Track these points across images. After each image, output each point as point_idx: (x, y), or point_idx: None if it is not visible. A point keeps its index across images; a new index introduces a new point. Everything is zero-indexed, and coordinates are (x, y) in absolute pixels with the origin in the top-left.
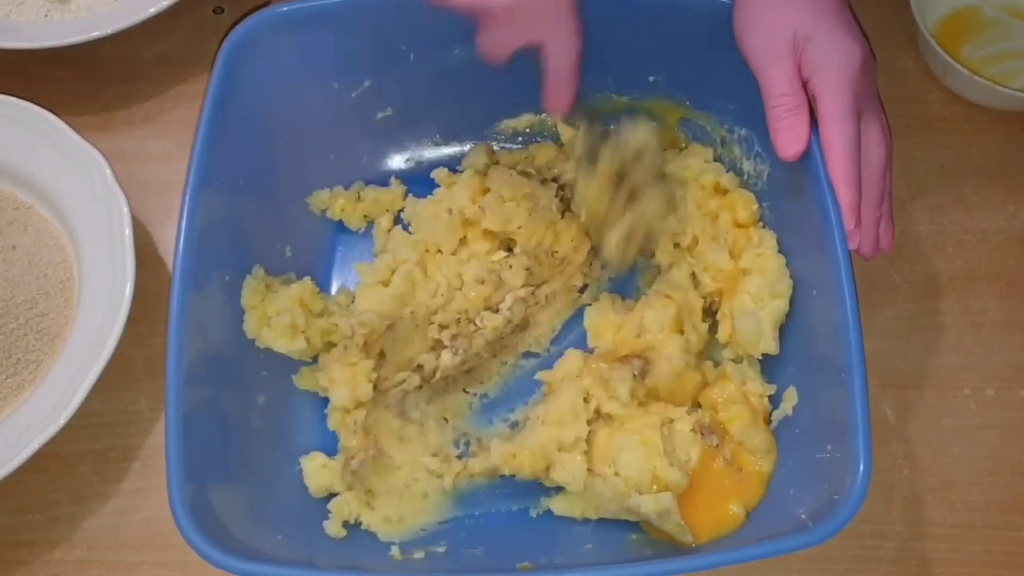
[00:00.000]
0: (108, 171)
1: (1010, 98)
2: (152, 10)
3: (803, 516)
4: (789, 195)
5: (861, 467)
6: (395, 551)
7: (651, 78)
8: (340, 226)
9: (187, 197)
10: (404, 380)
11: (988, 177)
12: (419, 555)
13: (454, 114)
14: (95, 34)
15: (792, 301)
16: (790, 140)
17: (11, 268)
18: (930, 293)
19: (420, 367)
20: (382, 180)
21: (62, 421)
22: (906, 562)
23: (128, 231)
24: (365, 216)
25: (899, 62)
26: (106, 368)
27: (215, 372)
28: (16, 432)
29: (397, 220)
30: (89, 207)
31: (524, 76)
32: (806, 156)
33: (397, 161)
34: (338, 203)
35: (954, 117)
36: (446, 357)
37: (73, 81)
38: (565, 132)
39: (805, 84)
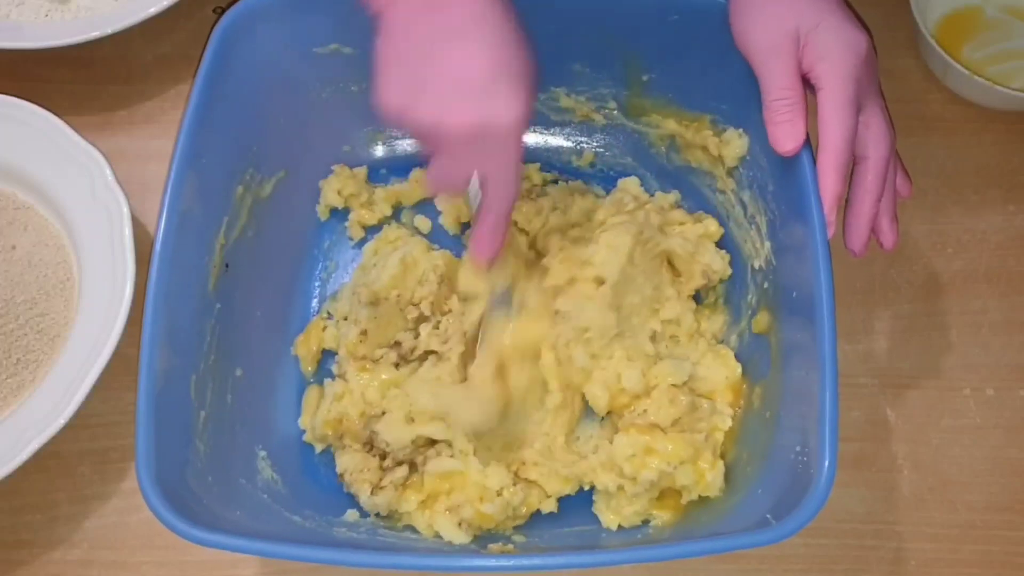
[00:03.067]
0: (108, 171)
1: (1010, 98)
2: (152, 10)
3: (768, 517)
4: (779, 198)
5: (826, 464)
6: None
7: (644, 77)
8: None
9: (172, 171)
10: (382, 356)
11: (988, 177)
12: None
13: None
14: (95, 34)
15: (774, 305)
16: (788, 134)
17: (11, 268)
18: (930, 293)
19: (398, 344)
20: (375, 165)
21: (62, 421)
22: (906, 562)
23: (128, 231)
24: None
25: (899, 62)
26: (106, 368)
27: (190, 341)
28: (16, 432)
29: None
30: (89, 207)
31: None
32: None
33: (381, 150)
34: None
35: (954, 117)
36: (424, 332)
37: (73, 81)
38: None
39: (807, 75)
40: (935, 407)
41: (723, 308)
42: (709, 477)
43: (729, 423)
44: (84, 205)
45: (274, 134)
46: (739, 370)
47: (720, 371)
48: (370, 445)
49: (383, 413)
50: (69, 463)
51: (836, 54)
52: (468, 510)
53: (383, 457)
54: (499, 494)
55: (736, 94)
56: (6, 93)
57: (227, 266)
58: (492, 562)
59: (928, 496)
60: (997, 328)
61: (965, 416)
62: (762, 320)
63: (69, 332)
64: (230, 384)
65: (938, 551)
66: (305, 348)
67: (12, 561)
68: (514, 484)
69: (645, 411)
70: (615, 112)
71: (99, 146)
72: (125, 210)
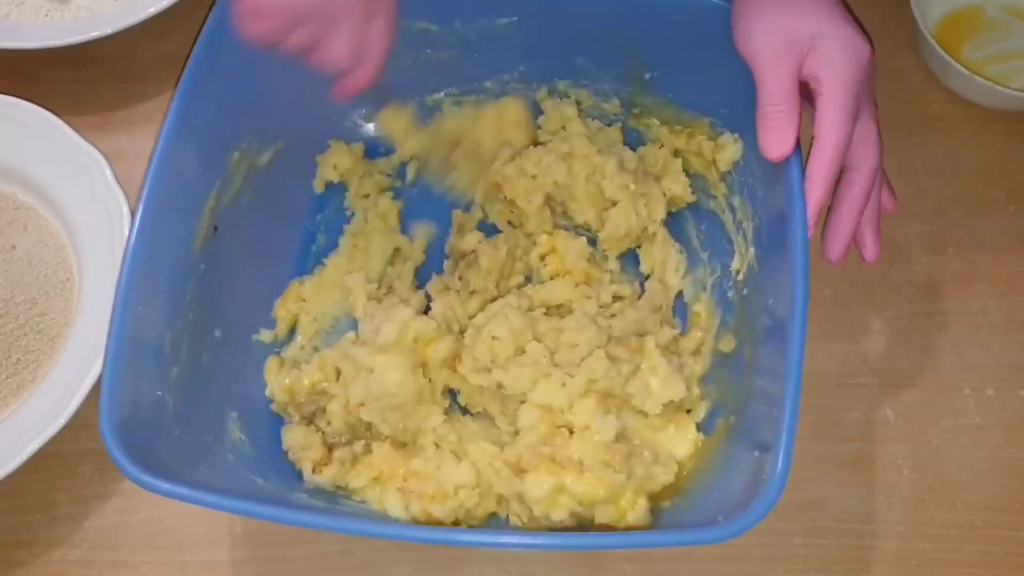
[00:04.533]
0: (108, 171)
1: (1010, 98)
2: (152, 10)
3: (720, 519)
4: (767, 204)
5: (779, 463)
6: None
7: (646, 75)
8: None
9: (165, 128)
10: None
11: (988, 177)
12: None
13: (436, 81)
14: (95, 34)
15: (751, 312)
16: (778, 140)
17: (11, 268)
18: (930, 293)
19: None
20: (373, 143)
21: (62, 421)
22: (906, 562)
23: (128, 231)
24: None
25: (899, 62)
26: None
27: (169, 296)
28: (16, 432)
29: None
30: (89, 207)
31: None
32: (788, 161)
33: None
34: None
35: (954, 117)
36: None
37: (73, 81)
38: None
39: (808, 80)
40: (935, 407)
41: (706, 321)
42: (630, 517)
43: (671, 480)
44: (84, 205)
45: (274, 104)
46: (697, 443)
47: (678, 446)
48: (309, 420)
49: (332, 396)
50: (69, 463)
51: (840, 61)
52: (416, 505)
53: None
54: (456, 492)
55: (735, 98)
56: (6, 93)
57: (215, 229)
58: (460, 536)
59: (928, 496)
60: (997, 328)
61: (965, 416)
62: (728, 342)
63: (69, 332)
64: (207, 344)
65: (938, 551)
66: (284, 310)
67: (12, 561)
68: (475, 487)
69: (569, 448)
70: (617, 109)
71: (99, 146)
72: (125, 210)
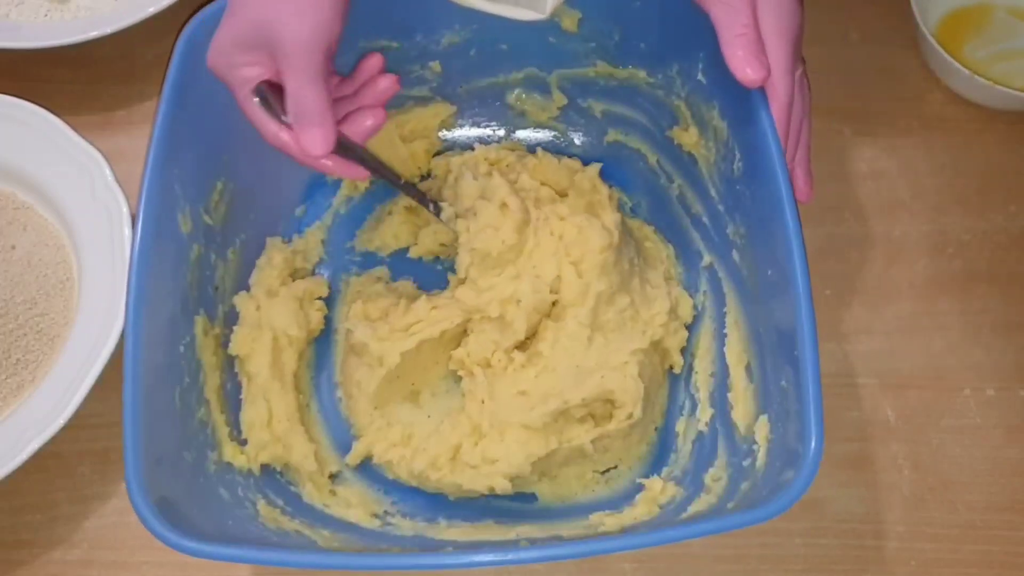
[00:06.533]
0: (108, 171)
1: (1011, 98)
2: (152, 10)
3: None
4: (746, 178)
5: (813, 443)
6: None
7: (642, 44)
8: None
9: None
10: None
11: (989, 177)
12: (400, 522)
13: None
14: (95, 34)
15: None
16: (752, 64)
17: (11, 268)
18: (930, 293)
19: None
20: None
21: (62, 421)
22: (906, 562)
23: (128, 231)
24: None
25: (899, 62)
26: (106, 368)
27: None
28: (16, 432)
29: None
30: (89, 207)
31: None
32: (762, 134)
33: None
34: None
35: (955, 117)
36: None
37: (73, 81)
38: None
39: None
40: (935, 407)
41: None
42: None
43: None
44: (84, 205)
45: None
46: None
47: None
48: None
49: None
50: (69, 463)
51: (779, 22)
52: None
53: None
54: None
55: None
56: (6, 93)
57: (216, 288)
58: (488, 556)
59: (928, 496)
60: (997, 328)
61: (965, 416)
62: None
63: (69, 332)
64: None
65: (938, 551)
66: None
67: (12, 561)
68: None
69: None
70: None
71: (99, 146)
72: (125, 210)
